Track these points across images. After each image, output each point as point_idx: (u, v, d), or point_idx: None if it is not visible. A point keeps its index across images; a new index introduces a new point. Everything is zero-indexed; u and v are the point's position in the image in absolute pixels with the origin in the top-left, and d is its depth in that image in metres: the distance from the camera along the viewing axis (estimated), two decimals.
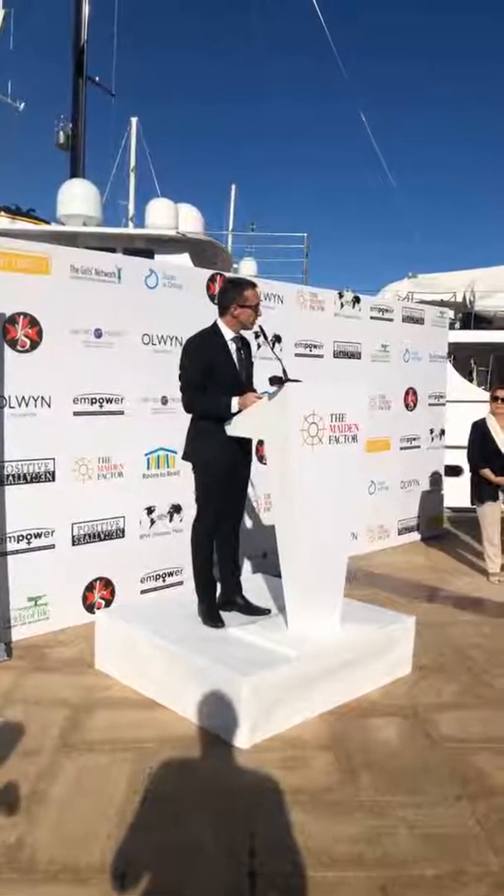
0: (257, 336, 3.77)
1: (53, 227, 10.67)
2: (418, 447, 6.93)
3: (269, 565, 4.70)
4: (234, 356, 3.60)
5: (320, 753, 2.91)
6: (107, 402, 4.40)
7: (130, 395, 4.52)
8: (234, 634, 3.45)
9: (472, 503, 5.77)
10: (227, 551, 3.82)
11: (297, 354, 5.58)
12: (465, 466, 5.88)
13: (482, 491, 5.60)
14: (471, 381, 15.00)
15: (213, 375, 3.50)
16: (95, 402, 4.34)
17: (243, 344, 3.68)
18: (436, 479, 7.15)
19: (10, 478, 3.97)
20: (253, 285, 3.66)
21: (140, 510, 4.65)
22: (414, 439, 6.86)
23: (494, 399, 5.70)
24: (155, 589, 4.75)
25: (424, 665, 3.81)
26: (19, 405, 3.99)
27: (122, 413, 4.49)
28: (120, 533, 4.55)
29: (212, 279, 4.95)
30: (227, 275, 5.30)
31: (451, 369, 10.98)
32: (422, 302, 10.47)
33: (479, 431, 5.65)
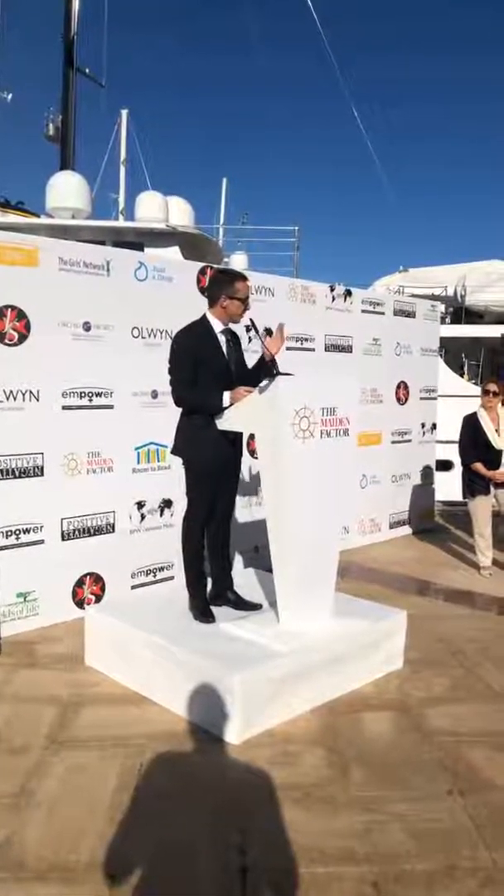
0: (248, 329, 3.74)
1: (42, 219, 10.57)
2: (410, 441, 6.92)
3: (260, 560, 4.68)
4: (224, 349, 3.58)
5: (312, 749, 2.90)
6: (96, 396, 4.36)
7: (120, 388, 4.48)
8: (225, 629, 3.43)
9: (464, 497, 5.77)
10: (218, 546, 3.80)
11: (288, 348, 5.52)
12: (457, 461, 5.88)
13: (473, 485, 5.61)
14: (462, 375, 15.04)
15: (202, 369, 3.47)
16: (84, 396, 4.31)
17: (232, 337, 3.65)
18: (427, 473, 7.16)
19: None
20: (243, 277, 3.63)
21: (130, 505, 4.62)
22: (405, 433, 6.86)
23: (486, 393, 5.70)
24: (145, 584, 4.72)
25: (416, 659, 3.80)
26: (7, 399, 3.95)
27: (111, 407, 4.45)
28: (110, 528, 4.51)
29: (202, 272, 4.91)
30: (217, 267, 5.26)
31: (443, 364, 10.99)
32: (413, 296, 10.46)
33: (471, 425, 5.65)
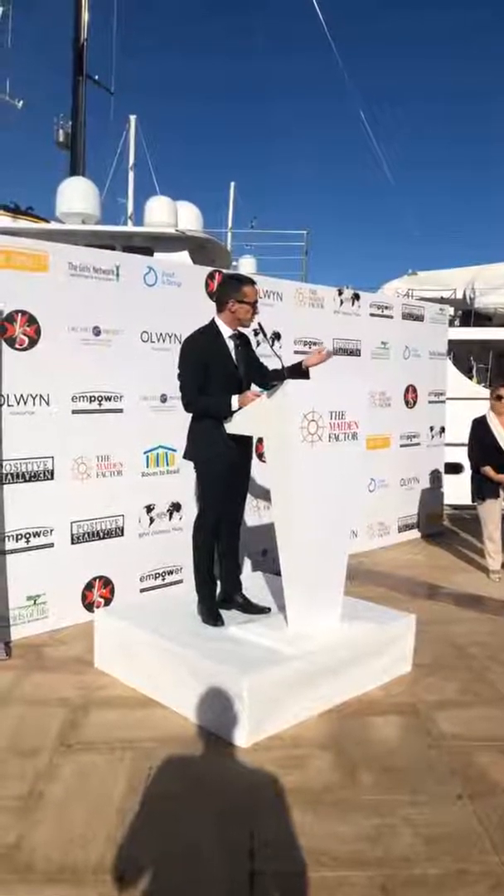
0: (256, 333, 3.75)
1: (52, 225, 10.64)
2: (418, 444, 6.91)
3: (268, 563, 4.69)
4: (233, 354, 3.59)
5: (321, 752, 2.90)
6: (105, 400, 4.39)
7: (129, 393, 4.50)
8: (233, 633, 3.44)
9: (473, 501, 5.75)
10: (227, 549, 3.81)
11: (296, 352, 5.55)
12: (466, 464, 5.86)
13: (483, 489, 5.58)
14: (470, 378, 14.98)
15: (211, 374, 3.48)
16: (94, 401, 4.33)
17: (242, 341, 3.66)
18: (436, 477, 7.14)
19: (9, 476, 3.96)
20: (252, 282, 3.64)
21: (139, 508, 4.64)
22: (414, 437, 6.85)
23: (497, 398, 5.66)
24: (154, 587, 4.73)
25: (425, 663, 3.79)
26: (18, 403, 3.97)
27: (120, 411, 4.47)
28: (119, 531, 4.53)
29: (210, 276, 4.93)
30: (226, 271, 5.28)
31: (451, 367, 10.96)
32: (422, 299, 10.45)
33: (480, 429, 5.63)
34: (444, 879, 2.17)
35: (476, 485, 5.66)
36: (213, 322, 3.60)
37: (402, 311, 6.68)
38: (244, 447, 3.62)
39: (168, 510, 4.79)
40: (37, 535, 4.11)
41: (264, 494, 4.96)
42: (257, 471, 3.94)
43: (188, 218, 11.23)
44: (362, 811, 2.51)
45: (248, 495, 3.92)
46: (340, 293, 6.03)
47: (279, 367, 3.55)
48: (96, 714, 3.18)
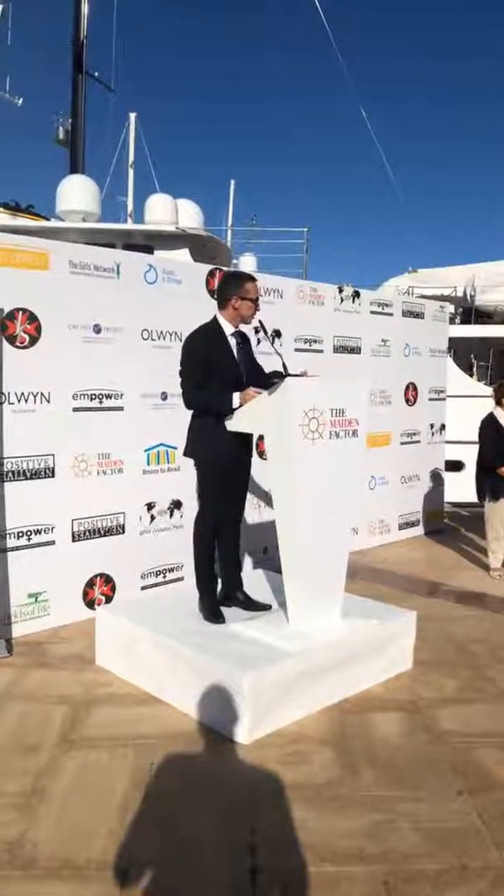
0: (257, 331, 3.75)
1: (53, 223, 10.64)
2: (419, 442, 6.91)
3: (269, 561, 4.69)
4: (234, 351, 3.59)
5: (321, 748, 2.91)
6: (106, 397, 4.39)
7: (130, 390, 4.51)
8: (234, 630, 3.45)
9: (481, 499, 5.66)
10: (228, 547, 3.82)
11: (297, 349, 5.56)
12: (467, 461, 5.83)
13: (497, 488, 5.49)
14: (471, 375, 14.98)
15: (213, 371, 3.49)
16: (95, 398, 4.33)
17: (243, 339, 3.67)
18: (436, 474, 7.14)
19: (10, 474, 3.96)
20: (253, 279, 3.64)
21: (140, 506, 4.64)
22: (414, 434, 6.85)
23: None
24: (155, 585, 4.74)
25: (425, 660, 3.80)
26: (18, 401, 3.98)
27: (121, 409, 4.47)
28: (120, 529, 4.54)
29: (211, 274, 4.93)
30: (227, 269, 5.29)
31: (452, 364, 10.95)
32: (422, 296, 10.44)
33: (491, 427, 5.54)
34: (445, 875, 2.18)
35: (489, 484, 5.55)
36: (214, 319, 3.61)
37: (403, 309, 6.68)
38: (245, 444, 3.62)
39: (169, 508, 4.80)
40: (38, 532, 4.12)
41: (265, 492, 4.97)
42: (258, 468, 3.94)
43: (188, 215, 11.22)
44: (363, 807, 2.52)
45: (249, 493, 3.93)
46: (341, 291, 6.03)
47: (279, 365, 3.56)
48: (98, 711, 3.20)
